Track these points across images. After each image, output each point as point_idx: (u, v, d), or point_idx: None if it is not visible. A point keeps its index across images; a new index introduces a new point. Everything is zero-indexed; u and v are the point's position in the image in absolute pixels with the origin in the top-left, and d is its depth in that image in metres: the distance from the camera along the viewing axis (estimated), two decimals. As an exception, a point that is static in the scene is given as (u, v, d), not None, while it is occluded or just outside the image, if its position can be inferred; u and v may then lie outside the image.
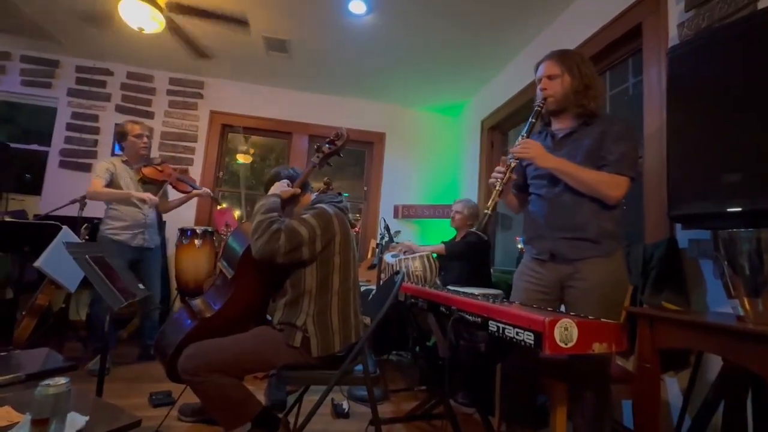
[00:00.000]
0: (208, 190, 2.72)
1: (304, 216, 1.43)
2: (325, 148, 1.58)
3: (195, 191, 2.65)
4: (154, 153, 3.65)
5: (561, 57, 1.39)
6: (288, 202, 1.54)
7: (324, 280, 1.44)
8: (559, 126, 1.44)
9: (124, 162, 2.43)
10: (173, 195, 2.73)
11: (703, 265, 1.48)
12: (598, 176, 1.28)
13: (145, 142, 2.44)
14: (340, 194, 1.66)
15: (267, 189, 1.61)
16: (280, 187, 1.54)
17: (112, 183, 2.34)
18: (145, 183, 2.45)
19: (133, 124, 2.45)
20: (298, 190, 1.57)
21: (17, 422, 0.88)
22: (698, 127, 1.23)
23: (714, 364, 1.35)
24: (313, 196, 1.66)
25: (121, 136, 2.44)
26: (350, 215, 1.61)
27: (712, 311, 1.42)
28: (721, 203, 1.13)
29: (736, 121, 1.13)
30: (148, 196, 2.32)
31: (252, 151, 4.45)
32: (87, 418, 0.92)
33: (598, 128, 1.33)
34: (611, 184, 1.27)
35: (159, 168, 2.52)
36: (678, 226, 1.57)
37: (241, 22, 2.69)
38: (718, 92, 1.18)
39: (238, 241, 1.56)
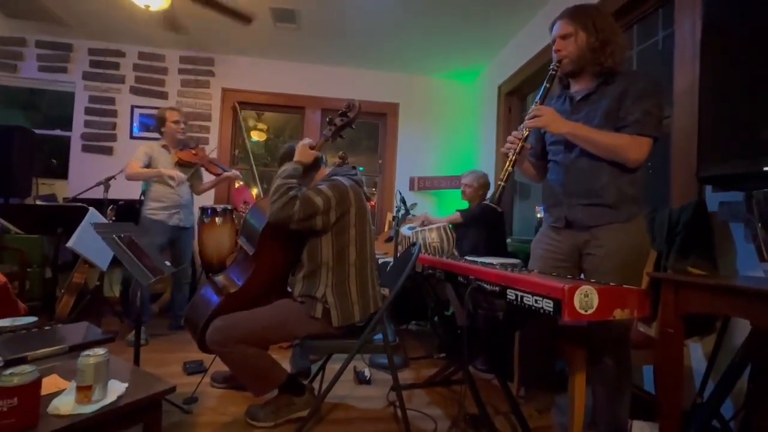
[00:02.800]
0: (238, 173, 2.88)
1: (320, 186, 1.44)
2: (337, 120, 1.56)
3: (225, 174, 2.80)
4: (171, 133, 3.70)
5: (573, 14, 1.31)
6: (304, 176, 1.55)
7: (341, 252, 1.46)
8: (578, 87, 1.37)
9: (162, 146, 2.61)
10: (207, 178, 2.88)
11: (734, 229, 1.42)
12: (616, 139, 1.22)
13: (182, 128, 2.61)
14: (355, 168, 1.65)
15: (281, 164, 1.61)
16: (304, 150, 1.52)
17: (149, 165, 2.53)
18: (181, 166, 2.63)
19: (171, 110, 2.61)
20: (320, 154, 1.57)
21: (64, 388, 0.96)
22: (735, 80, 1.14)
23: (741, 329, 1.32)
24: (328, 170, 1.66)
25: (159, 121, 2.60)
26: (365, 188, 1.61)
27: (742, 275, 1.37)
28: (756, 162, 1.06)
29: (778, 72, 1.04)
30: (175, 173, 2.49)
31: (266, 127, 4.45)
32: (126, 385, 0.98)
33: (619, 87, 1.25)
34: (631, 147, 1.20)
35: (193, 152, 2.70)
36: (708, 188, 1.50)
37: (244, 18, 2.63)
38: (760, 41, 1.08)
39: (257, 218, 1.59)
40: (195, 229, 2.85)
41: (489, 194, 2.74)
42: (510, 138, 1.31)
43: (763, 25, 1.08)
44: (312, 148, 1.54)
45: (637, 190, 1.27)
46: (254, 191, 3.11)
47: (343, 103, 1.58)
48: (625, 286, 1.05)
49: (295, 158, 1.52)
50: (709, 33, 1.22)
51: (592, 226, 1.29)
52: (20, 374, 0.79)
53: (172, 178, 2.48)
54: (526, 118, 1.29)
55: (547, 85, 1.32)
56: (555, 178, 1.40)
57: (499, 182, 1.28)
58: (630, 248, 1.25)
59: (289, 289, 1.61)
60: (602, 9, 1.35)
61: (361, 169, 4.40)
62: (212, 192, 3.70)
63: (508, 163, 1.28)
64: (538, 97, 1.32)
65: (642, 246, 1.29)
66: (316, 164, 1.60)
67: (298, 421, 1.48)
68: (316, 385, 1.74)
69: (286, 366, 1.82)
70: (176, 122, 2.58)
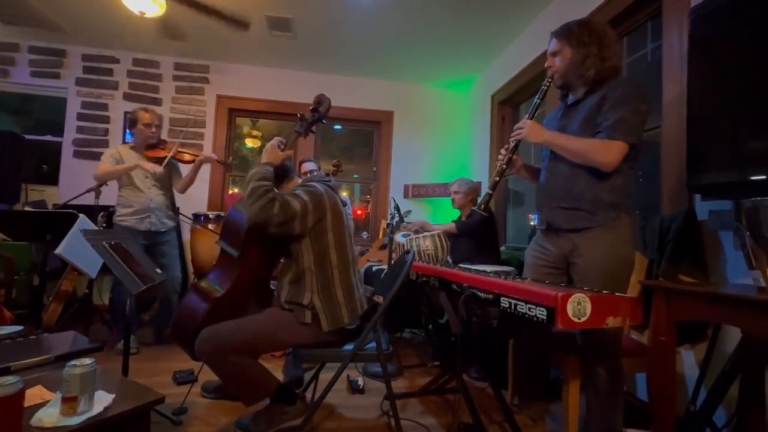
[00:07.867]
0: (214, 155, 2.64)
1: (296, 191, 1.45)
2: (308, 116, 1.59)
3: (201, 157, 2.57)
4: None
5: (560, 32, 1.38)
6: (276, 185, 1.53)
7: (321, 256, 1.46)
8: (571, 98, 1.43)
9: (131, 148, 2.51)
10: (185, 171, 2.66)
11: (723, 237, 1.43)
12: (586, 143, 1.26)
13: (153, 132, 2.49)
14: (328, 174, 1.67)
15: None
16: (273, 151, 1.51)
17: None
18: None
19: (144, 112, 2.50)
20: (291, 152, 1.56)
21: (49, 400, 0.93)
22: (721, 92, 1.17)
23: (732, 336, 1.33)
24: (299, 180, 1.65)
25: (131, 122, 2.52)
26: (341, 194, 1.62)
27: (731, 283, 1.39)
28: (744, 172, 1.08)
29: (762, 85, 1.07)
30: (151, 165, 2.40)
31: (260, 134, 4.45)
32: (113, 395, 0.96)
33: (600, 94, 1.30)
34: (600, 151, 1.23)
35: (161, 147, 2.56)
36: (697, 197, 1.52)
37: (241, 23, 2.64)
38: (744, 54, 1.11)
39: (239, 221, 1.57)
40: (174, 233, 2.66)
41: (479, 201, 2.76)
42: (501, 151, 1.44)
43: (748, 39, 1.11)
44: (283, 147, 1.53)
45: (617, 196, 1.28)
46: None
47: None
48: (618, 294, 1.05)
49: (264, 159, 1.49)
50: (696, 46, 1.26)
51: (571, 231, 1.32)
52: (3, 385, 0.77)
53: (149, 171, 2.38)
54: (512, 131, 1.41)
55: (538, 101, 1.40)
56: (541, 181, 1.48)
57: (488, 191, 1.40)
58: (612, 258, 1.26)
59: (272, 287, 1.60)
60: (590, 22, 1.37)
61: (355, 176, 4.41)
62: (205, 198, 3.68)
63: (495, 173, 1.40)
64: (529, 111, 1.41)
65: (624, 255, 1.29)
66: (286, 175, 1.59)
67: (289, 430, 1.45)
68: (308, 394, 1.71)
69: (279, 376, 1.79)
70: (147, 125, 2.47)
